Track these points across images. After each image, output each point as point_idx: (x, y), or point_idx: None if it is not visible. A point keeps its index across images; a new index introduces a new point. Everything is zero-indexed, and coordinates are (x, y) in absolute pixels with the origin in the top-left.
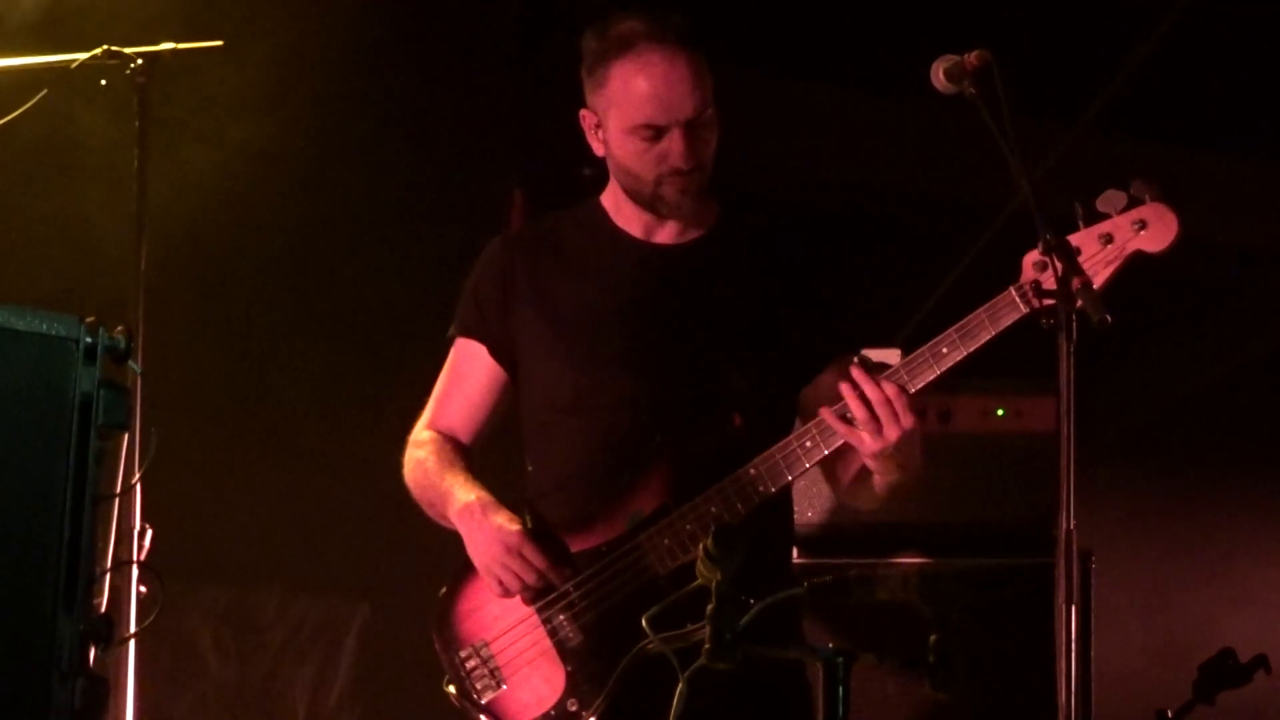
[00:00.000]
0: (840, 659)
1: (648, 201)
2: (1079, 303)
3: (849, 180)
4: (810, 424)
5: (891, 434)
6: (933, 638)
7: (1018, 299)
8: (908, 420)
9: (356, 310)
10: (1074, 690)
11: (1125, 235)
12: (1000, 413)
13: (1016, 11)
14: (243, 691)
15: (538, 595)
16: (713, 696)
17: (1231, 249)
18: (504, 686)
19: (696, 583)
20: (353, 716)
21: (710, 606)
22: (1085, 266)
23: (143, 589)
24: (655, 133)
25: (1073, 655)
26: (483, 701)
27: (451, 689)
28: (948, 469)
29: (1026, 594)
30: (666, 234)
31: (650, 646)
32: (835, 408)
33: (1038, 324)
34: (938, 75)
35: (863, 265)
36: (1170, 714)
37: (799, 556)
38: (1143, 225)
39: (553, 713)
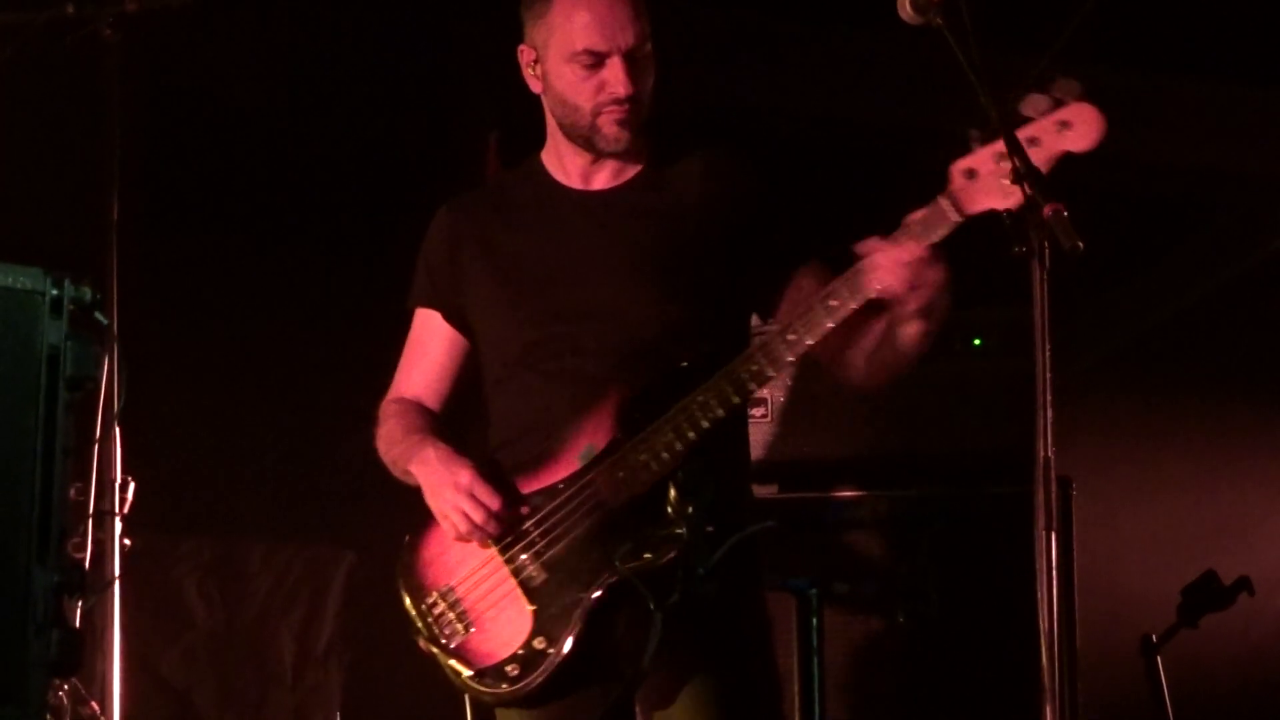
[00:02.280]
0: (813, 590)
1: (585, 136)
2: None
3: (819, 114)
4: (753, 348)
5: (936, 273)
6: (905, 568)
7: (947, 209)
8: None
9: (337, 259)
10: (1056, 617)
11: (1051, 138)
12: (978, 342)
13: None
14: (230, 641)
15: (491, 538)
16: (675, 630)
17: (1205, 172)
18: (472, 630)
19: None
20: (340, 663)
21: (682, 541)
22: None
23: (126, 542)
24: (595, 59)
25: (1053, 582)
26: (451, 646)
27: (420, 640)
28: (926, 398)
29: (1007, 523)
30: (602, 178)
31: (616, 580)
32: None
33: (1010, 251)
34: (904, 6)
35: (834, 198)
36: (1155, 638)
37: (779, 491)
38: (1066, 125)
39: (521, 652)
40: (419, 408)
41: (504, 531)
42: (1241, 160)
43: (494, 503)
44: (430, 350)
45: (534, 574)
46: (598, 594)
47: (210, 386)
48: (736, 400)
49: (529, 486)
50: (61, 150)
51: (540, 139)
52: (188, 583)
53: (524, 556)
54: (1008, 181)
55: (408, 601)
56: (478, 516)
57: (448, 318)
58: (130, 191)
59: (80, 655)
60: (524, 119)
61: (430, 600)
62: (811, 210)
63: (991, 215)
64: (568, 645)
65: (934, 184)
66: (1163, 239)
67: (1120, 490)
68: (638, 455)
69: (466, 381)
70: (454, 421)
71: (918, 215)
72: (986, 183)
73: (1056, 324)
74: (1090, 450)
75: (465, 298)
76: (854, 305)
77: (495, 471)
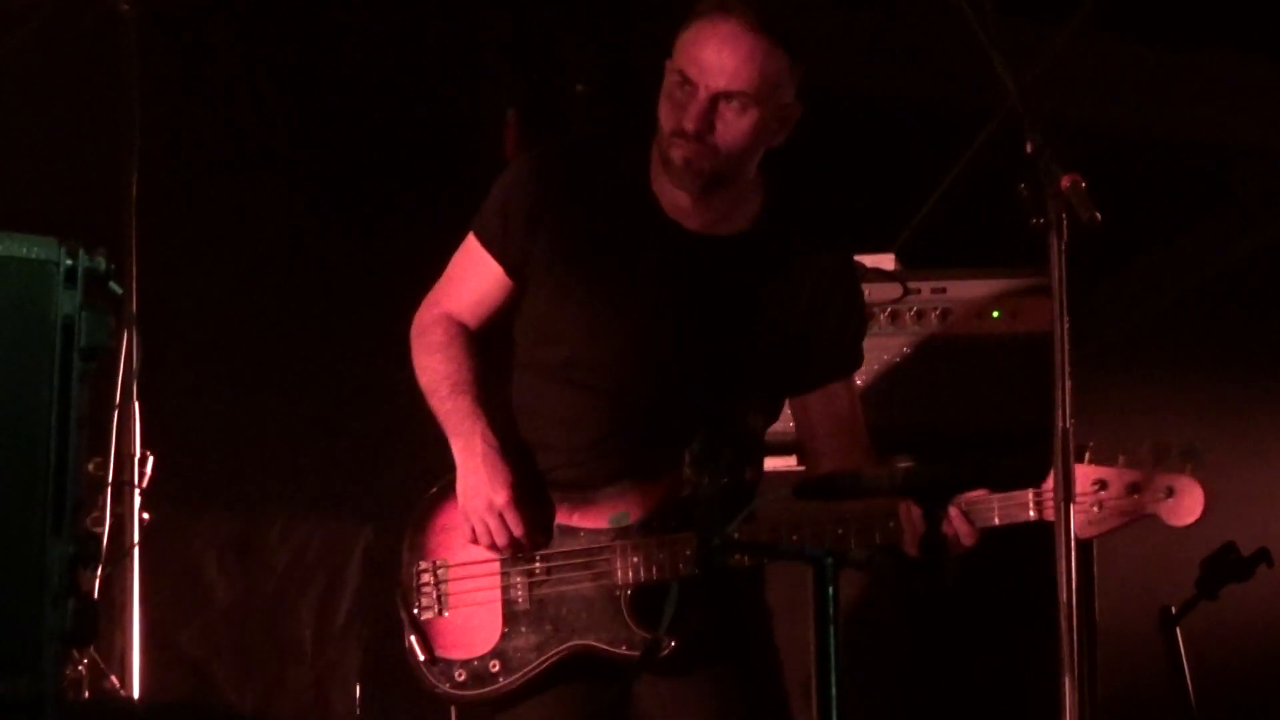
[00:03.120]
0: (829, 559)
1: (663, 160)
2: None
3: (841, 85)
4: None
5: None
6: (922, 539)
7: (1031, 505)
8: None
9: (357, 234)
10: (1075, 589)
11: (1151, 496)
12: (996, 314)
13: None
14: (249, 615)
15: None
16: (691, 601)
17: (1226, 145)
18: (445, 614)
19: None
20: (359, 638)
21: (696, 511)
22: (1104, 504)
23: (145, 515)
24: (684, 84)
25: (1072, 554)
26: (420, 619)
27: (398, 597)
28: (944, 370)
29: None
30: (700, 220)
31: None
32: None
33: (1030, 224)
34: None
35: (857, 171)
36: (1174, 610)
37: (799, 463)
38: (1170, 493)
39: (475, 663)
40: (464, 340)
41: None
42: (1263, 134)
43: (518, 531)
44: (482, 283)
45: (520, 600)
46: (557, 658)
47: (229, 360)
48: (756, 564)
49: (558, 514)
50: (80, 125)
51: (558, 116)
52: (207, 557)
53: (519, 579)
54: (1096, 510)
55: (404, 556)
56: (501, 540)
57: (508, 271)
58: (149, 165)
59: (96, 626)
60: (543, 94)
61: (423, 566)
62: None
63: (1010, 184)
64: (515, 685)
65: (949, 157)
66: (1182, 212)
67: None
68: (660, 551)
69: (507, 313)
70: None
71: (992, 498)
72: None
73: (1075, 296)
74: (1109, 422)
75: (530, 262)
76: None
77: (531, 487)
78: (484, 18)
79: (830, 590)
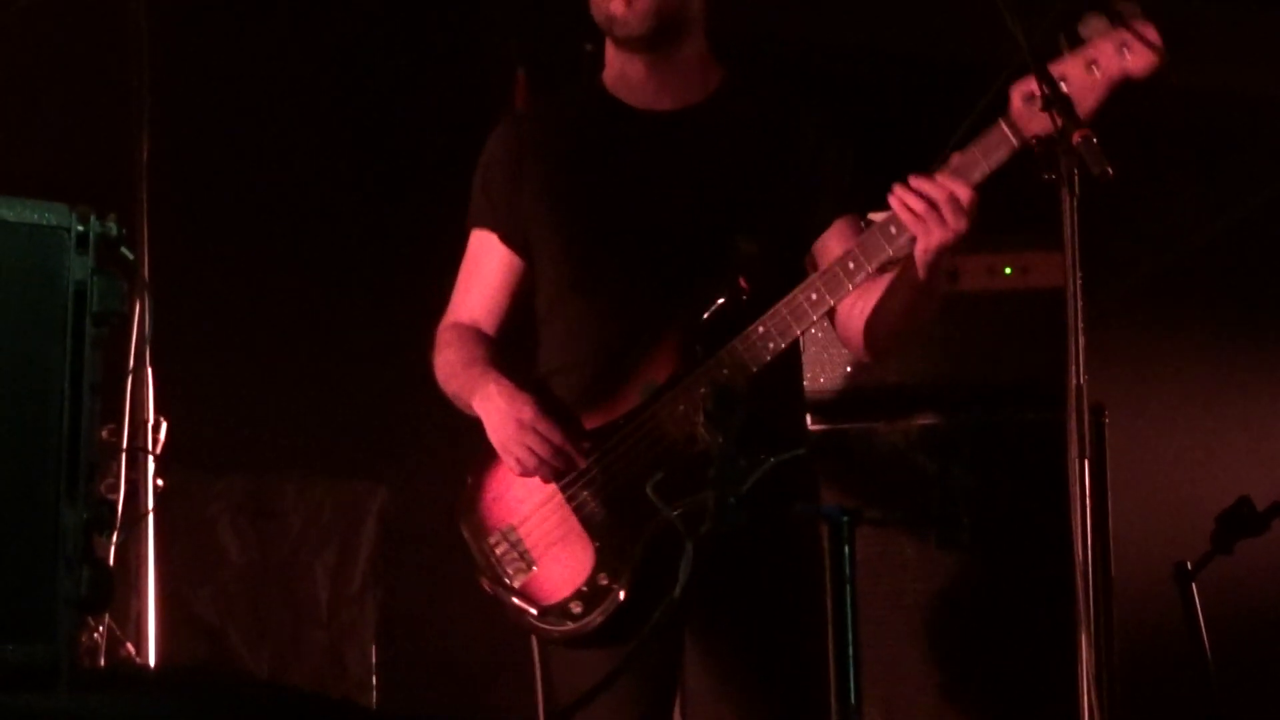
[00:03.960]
0: (845, 517)
1: (604, 22)
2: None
3: (841, 44)
4: (814, 277)
5: (961, 223)
6: (937, 495)
7: (1008, 132)
8: (973, 213)
9: (365, 195)
10: (1090, 545)
11: (1109, 59)
12: (1008, 270)
13: None
14: (264, 578)
15: (555, 473)
16: (726, 558)
17: (1235, 97)
18: (535, 568)
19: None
20: (374, 600)
21: (712, 470)
22: (1073, 95)
23: (159, 481)
24: None
25: (1087, 510)
26: (515, 585)
27: (484, 579)
28: (956, 328)
29: (1040, 450)
30: (666, 100)
31: (661, 515)
32: (893, 200)
33: (1040, 178)
34: None
35: (864, 129)
36: (1190, 565)
37: (810, 422)
38: (1126, 46)
39: (585, 588)
40: (477, 335)
41: (565, 468)
42: (1270, 86)
43: (556, 437)
44: (487, 273)
45: (595, 510)
46: (652, 530)
47: (241, 325)
48: (798, 330)
49: (589, 420)
50: (90, 91)
51: (567, 75)
52: (221, 521)
53: (586, 493)
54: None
55: (470, 541)
56: (543, 451)
57: (505, 239)
58: (160, 130)
59: (111, 593)
60: (551, 54)
61: (493, 539)
62: (865, 165)
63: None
64: (629, 580)
65: (958, 111)
66: (1194, 165)
67: (1153, 417)
68: (698, 387)
69: (524, 303)
70: (510, 343)
71: (970, 148)
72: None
73: (1087, 250)
74: (1123, 376)
75: (523, 217)
76: (831, 301)
77: (555, 405)
78: None
79: (847, 549)
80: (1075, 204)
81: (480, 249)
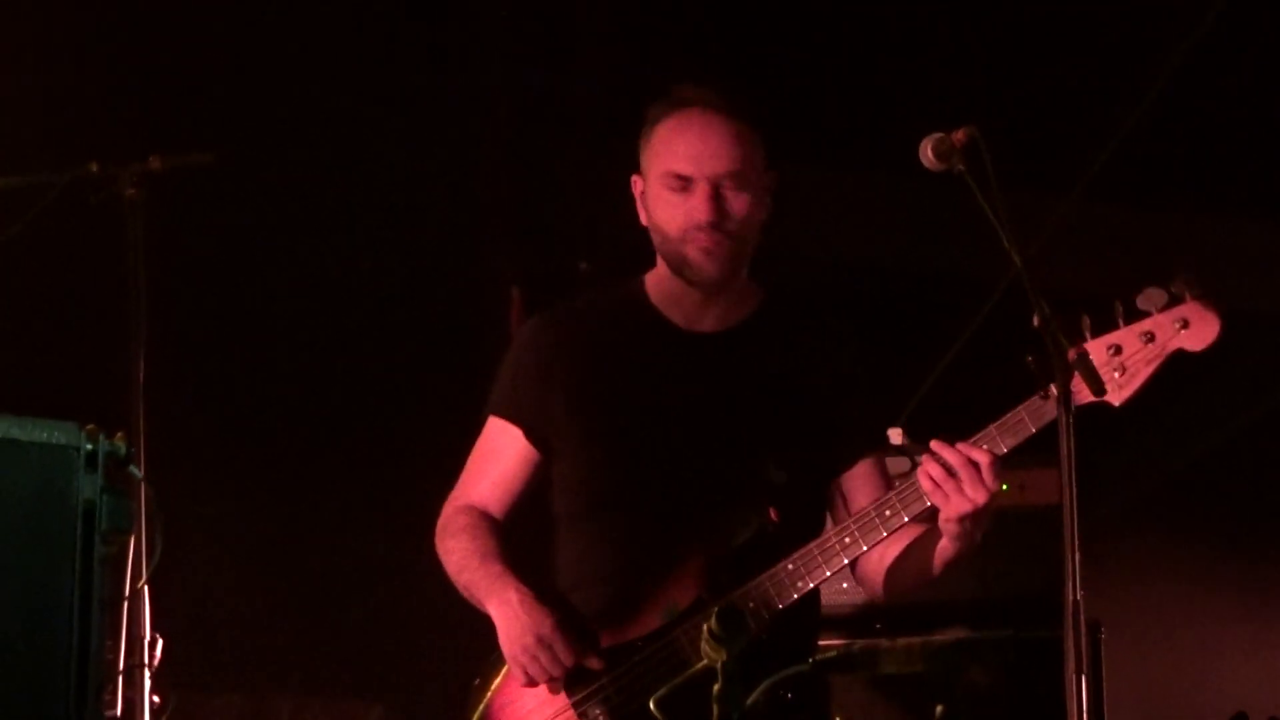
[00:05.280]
0: None
1: (676, 264)
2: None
3: (842, 258)
4: (849, 521)
5: (979, 495)
6: (939, 709)
7: (1027, 418)
8: (993, 483)
9: (357, 414)
10: None
11: (1167, 334)
12: (1004, 487)
13: (1010, 83)
14: None
15: (564, 685)
16: None
17: (1230, 312)
18: None
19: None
20: None
21: (716, 686)
22: (1126, 365)
23: (155, 698)
24: (683, 184)
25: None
26: None
27: None
28: None
29: (1037, 667)
30: (708, 322)
31: None
32: (919, 470)
33: (1036, 395)
34: (926, 153)
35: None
36: None
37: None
38: (1184, 324)
39: None
40: (490, 525)
41: (578, 684)
42: (1263, 301)
43: (570, 659)
44: (504, 462)
45: None
46: None
47: (235, 542)
48: (828, 572)
49: (609, 638)
50: (87, 309)
51: (562, 293)
52: None
53: (598, 710)
54: (1118, 375)
55: None
56: (555, 671)
57: (528, 436)
58: (157, 349)
59: None
60: (546, 272)
61: None
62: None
63: (1016, 356)
64: None
65: (953, 327)
66: (1190, 380)
67: (1150, 632)
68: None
69: (535, 493)
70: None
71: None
72: (1121, 376)
73: (1083, 466)
74: (1120, 592)
75: (549, 417)
76: (864, 547)
77: (575, 621)
78: (487, 197)
79: None
80: (1071, 421)
81: (499, 438)
